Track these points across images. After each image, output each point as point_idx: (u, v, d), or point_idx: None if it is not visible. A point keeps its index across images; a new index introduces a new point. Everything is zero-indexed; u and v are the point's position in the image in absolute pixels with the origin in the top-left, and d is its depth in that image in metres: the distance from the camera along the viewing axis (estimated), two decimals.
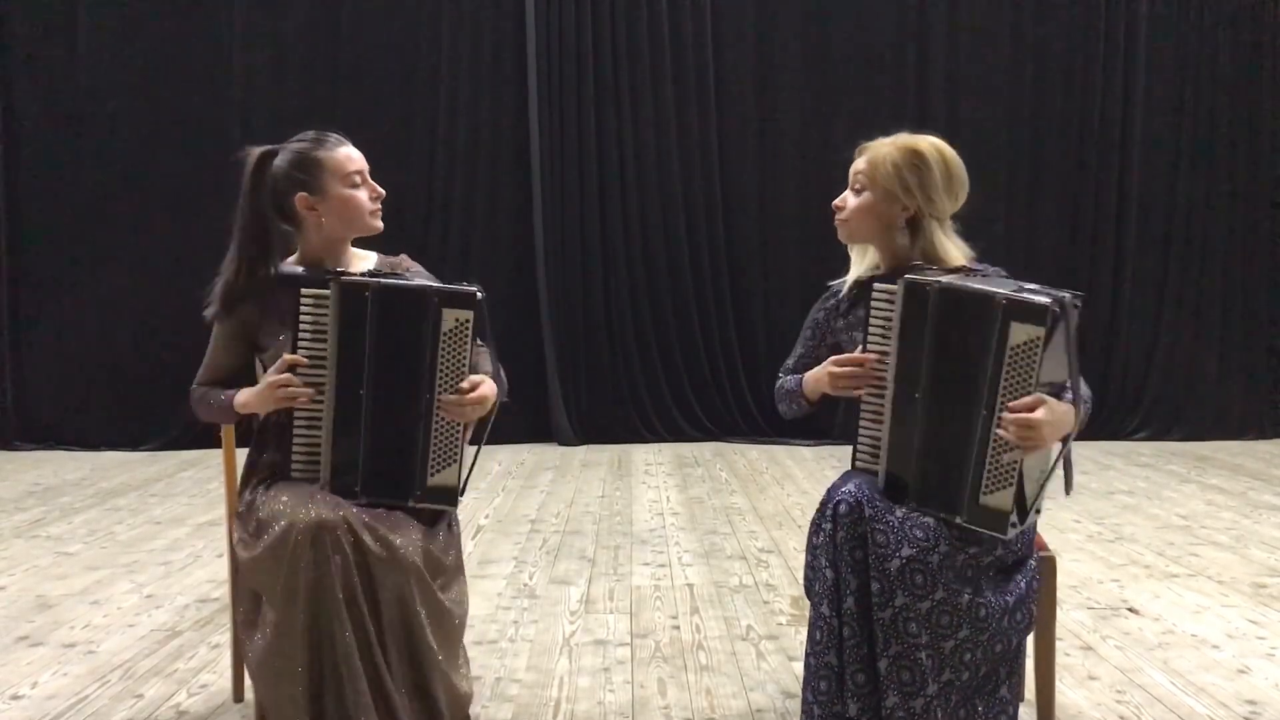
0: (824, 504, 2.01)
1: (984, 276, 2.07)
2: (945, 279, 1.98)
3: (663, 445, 6.38)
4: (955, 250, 2.16)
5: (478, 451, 2.20)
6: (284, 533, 1.99)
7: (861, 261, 2.27)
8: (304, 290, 2.08)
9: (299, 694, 1.97)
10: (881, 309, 2.04)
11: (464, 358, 2.09)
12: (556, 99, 6.39)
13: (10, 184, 6.39)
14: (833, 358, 2.12)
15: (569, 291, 6.47)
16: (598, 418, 6.48)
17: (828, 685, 1.95)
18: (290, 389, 2.08)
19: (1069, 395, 1.92)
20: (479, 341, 2.14)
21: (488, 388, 2.14)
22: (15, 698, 2.58)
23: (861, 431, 2.07)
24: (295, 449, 2.13)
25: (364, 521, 2.02)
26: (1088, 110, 6.44)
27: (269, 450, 2.24)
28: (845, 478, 2.06)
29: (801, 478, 5.37)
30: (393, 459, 2.11)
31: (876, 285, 2.05)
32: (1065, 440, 1.91)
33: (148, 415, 6.35)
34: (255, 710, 2.25)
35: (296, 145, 2.20)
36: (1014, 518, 1.92)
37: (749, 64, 6.49)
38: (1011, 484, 1.90)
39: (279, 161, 2.19)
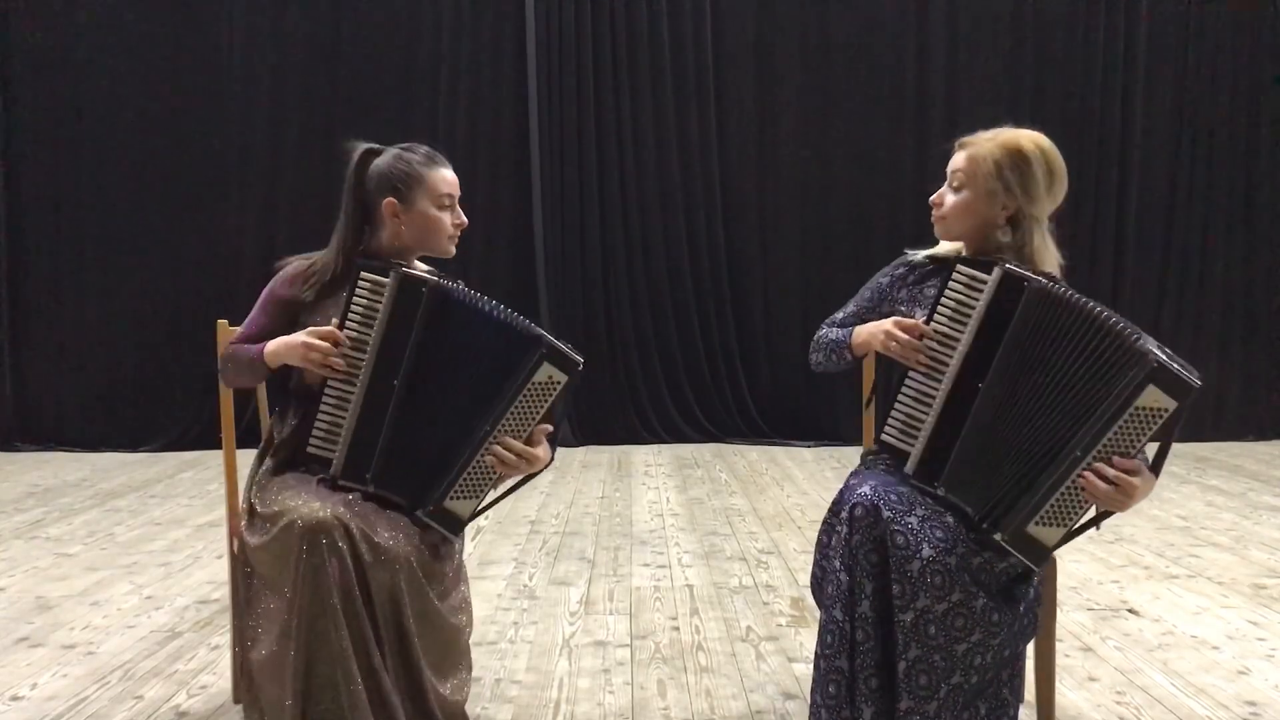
0: (837, 506, 1.98)
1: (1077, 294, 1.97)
2: (1050, 283, 1.92)
3: (662, 446, 6.38)
4: (1051, 256, 2.10)
5: (499, 499, 2.19)
6: (284, 530, 1.99)
7: (964, 228, 2.17)
8: (363, 274, 2.09)
9: (295, 693, 1.97)
10: (959, 291, 1.97)
11: (539, 413, 2.08)
12: (556, 99, 6.39)
13: (11, 184, 6.40)
14: (896, 318, 2.06)
15: (568, 292, 6.48)
16: (597, 419, 6.48)
17: (837, 689, 1.93)
18: (323, 354, 2.07)
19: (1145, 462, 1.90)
20: (556, 409, 2.11)
21: (543, 450, 2.14)
22: (15, 699, 2.58)
23: (898, 408, 2.02)
24: (317, 424, 2.13)
25: (358, 524, 2.02)
26: (1088, 110, 6.44)
27: (289, 425, 2.23)
28: (858, 480, 2.03)
29: (801, 479, 5.37)
30: (419, 464, 2.11)
31: (960, 266, 1.98)
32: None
33: (148, 416, 6.36)
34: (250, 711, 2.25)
35: (401, 153, 2.23)
36: (1047, 552, 1.91)
37: (749, 64, 6.49)
38: (1066, 526, 1.88)
39: (380, 162, 2.22)
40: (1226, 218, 6.50)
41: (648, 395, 6.52)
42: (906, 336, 2.01)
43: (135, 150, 6.35)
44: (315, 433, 2.14)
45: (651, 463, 5.86)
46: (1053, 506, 1.88)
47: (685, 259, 6.49)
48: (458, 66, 6.41)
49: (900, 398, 2.02)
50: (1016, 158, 2.07)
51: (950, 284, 1.98)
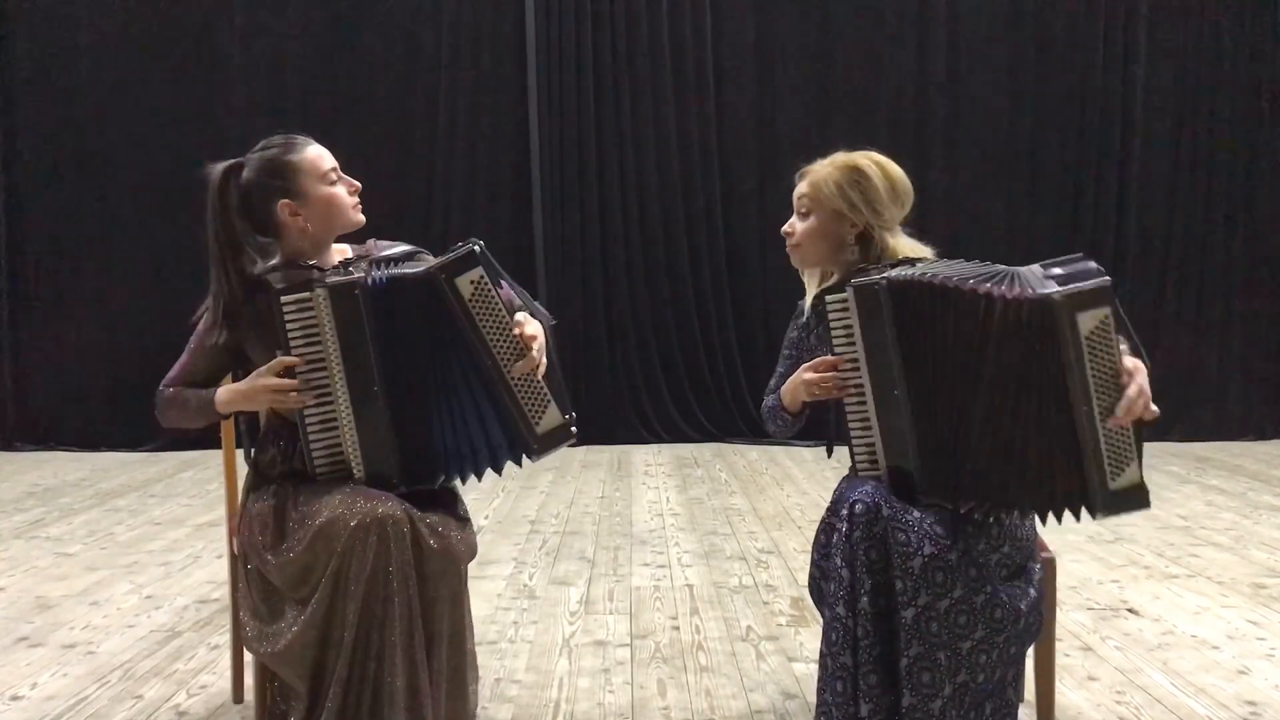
0: (836, 504, 2.00)
1: (927, 266, 2.04)
2: (900, 272, 1.99)
3: (662, 446, 6.38)
4: (909, 249, 2.18)
5: (557, 374, 2.14)
6: (328, 527, 1.95)
7: (814, 283, 2.30)
8: (283, 298, 2.03)
9: (332, 685, 1.95)
10: (838, 316, 2.04)
11: (499, 309, 2.05)
12: (556, 99, 6.39)
13: (11, 185, 6.40)
14: (807, 364, 2.13)
15: (568, 292, 6.47)
16: (597, 418, 6.47)
17: (844, 686, 1.94)
18: (284, 392, 2.04)
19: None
20: (500, 284, 2.09)
21: (533, 326, 2.09)
22: (15, 698, 2.58)
23: (855, 440, 2.07)
24: (315, 453, 2.08)
25: (419, 515, 2.00)
26: (1088, 110, 6.43)
27: (275, 459, 2.19)
28: (855, 480, 2.05)
29: (801, 479, 5.37)
30: (442, 449, 2.09)
31: (826, 297, 2.06)
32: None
33: (147, 416, 6.26)
34: (256, 709, 2.24)
35: (265, 153, 2.14)
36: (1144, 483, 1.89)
37: (749, 64, 6.49)
38: (1134, 456, 1.87)
39: (249, 173, 2.12)
40: (1226, 218, 6.50)
41: (648, 395, 6.52)
42: (820, 373, 2.07)
43: (135, 150, 6.35)
44: (316, 459, 2.09)
45: (651, 462, 5.86)
46: (1110, 457, 1.86)
47: (685, 259, 6.49)
48: (458, 66, 6.41)
49: (851, 430, 2.07)
50: (855, 174, 2.17)
51: (829, 315, 2.06)
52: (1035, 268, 1.91)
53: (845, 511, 1.95)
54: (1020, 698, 2.07)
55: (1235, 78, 6.43)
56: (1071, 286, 1.84)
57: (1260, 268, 6.53)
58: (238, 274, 2.10)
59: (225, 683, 2.62)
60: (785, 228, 2.24)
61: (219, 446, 2.51)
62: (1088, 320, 1.83)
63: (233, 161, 2.15)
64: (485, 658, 2.82)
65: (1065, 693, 2.56)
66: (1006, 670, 1.99)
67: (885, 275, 1.99)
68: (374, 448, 2.08)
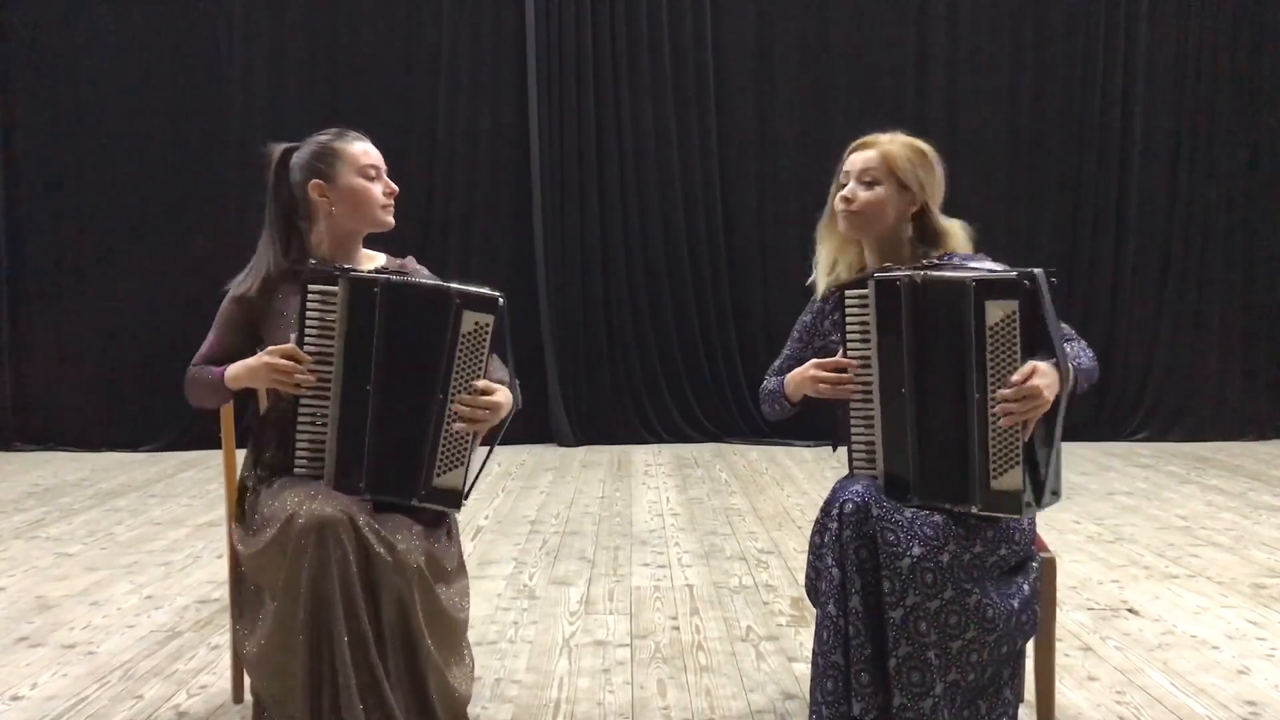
0: (829, 504, 2.01)
1: (958, 263, 2.08)
2: (913, 272, 2.00)
3: (662, 446, 6.38)
4: (954, 228, 2.20)
5: (487, 456, 2.18)
6: (285, 527, 2.00)
7: (829, 262, 2.29)
8: (310, 286, 2.08)
9: (298, 688, 1.98)
10: (856, 313, 2.05)
11: (480, 362, 2.08)
12: (556, 100, 6.39)
13: (10, 185, 6.40)
14: (815, 360, 2.13)
15: (569, 292, 6.47)
16: (597, 418, 6.48)
17: (835, 685, 1.95)
18: (286, 373, 2.07)
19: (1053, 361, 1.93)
20: (495, 347, 2.12)
21: (502, 395, 2.13)
22: (15, 698, 2.58)
23: (854, 438, 2.08)
24: (299, 445, 2.12)
25: (367, 521, 2.02)
26: (1088, 110, 6.43)
27: (270, 448, 2.25)
28: (849, 479, 2.07)
29: (801, 478, 5.37)
30: (399, 457, 2.10)
31: (847, 291, 2.07)
32: (1057, 402, 1.91)
33: (147, 416, 6.36)
34: (253, 706, 2.24)
35: (317, 138, 2.26)
36: (1028, 497, 1.92)
37: (749, 64, 6.49)
38: (1018, 462, 1.90)
39: (298, 155, 2.25)
40: (1226, 218, 6.50)
41: (648, 395, 6.52)
42: (830, 374, 2.08)
43: (135, 150, 6.35)
44: (299, 454, 2.12)
45: (651, 462, 5.86)
46: (995, 454, 1.90)
47: (685, 259, 6.49)
48: (458, 66, 6.41)
49: (852, 430, 2.08)
50: (922, 156, 2.20)
51: (847, 311, 2.07)
52: (989, 263, 1.98)
53: (836, 511, 1.97)
54: (1020, 697, 2.07)
55: (1235, 78, 6.43)
56: (988, 275, 1.88)
57: (1260, 268, 6.53)
58: (283, 250, 2.23)
59: (225, 683, 2.62)
60: (844, 193, 2.19)
61: (219, 446, 2.51)
62: (994, 310, 1.86)
63: (290, 144, 2.28)
64: (485, 658, 2.82)
65: (1065, 693, 2.56)
66: (1000, 668, 1.99)
67: (910, 273, 2.00)
68: (350, 447, 2.10)
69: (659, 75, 6.43)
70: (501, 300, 2.07)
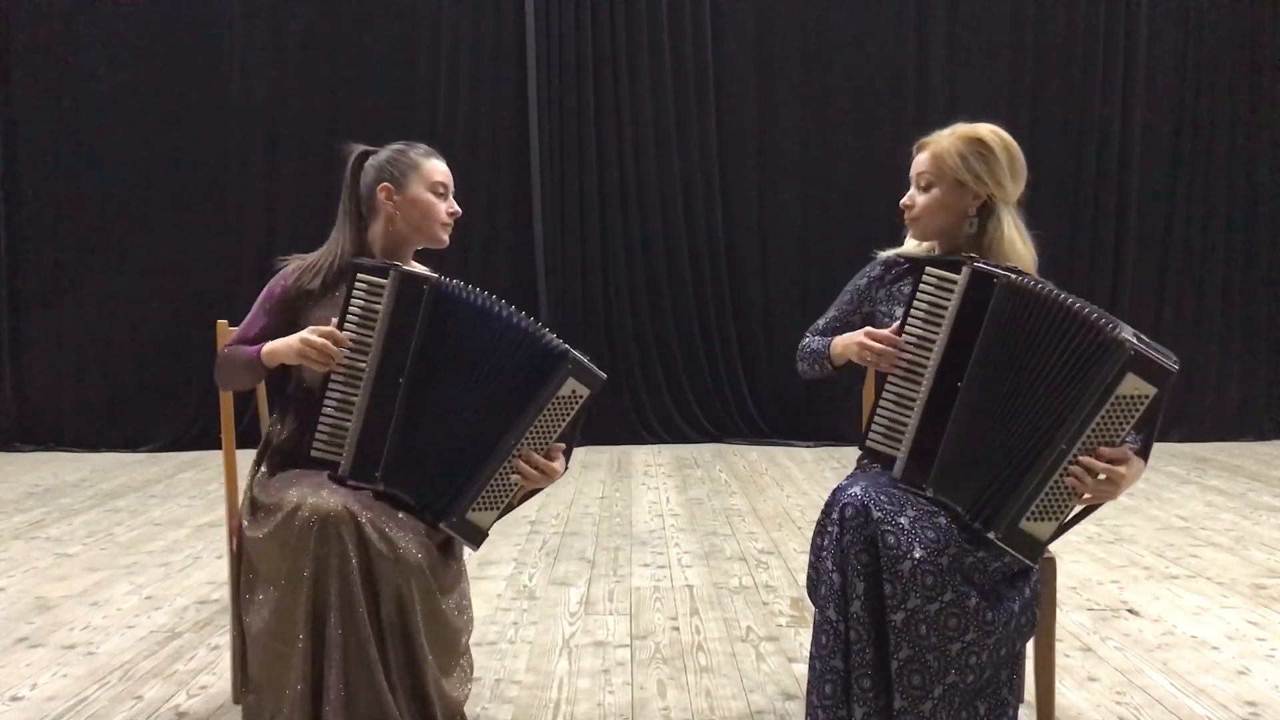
0: (829, 507, 2.00)
1: (1055, 290, 1.96)
2: (1019, 277, 1.93)
3: (662, 446, 6.38)
4: (1023, 247, 2.13)
5: (502, 512, 2.16)
6: (288, 518, 2.00)
7: (931, 228, 2.21)
8: (359, 275, 2.08)
9: (294, 681, 1.98)
10: (930, 293, 1.98)
11: (560, 429, 2.08)
12: (556, 100, 6.39)
13: (10, 186, 6.40)
14: (868, 329, 2.08)
15: (568, 293, 6.47)
16: (597, 419, 6.47)
17: (833, 689, 1.94)
18: (321, 351, 2.06)
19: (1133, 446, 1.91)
20: (578, 427, 2.12)
21: (559, 464, 2.14)
22: (15, 699, 2.58)
23: (880, 413, 2.03)
24: (320, 428, 2.10)
25: (370, 517, 2.02)
26: (1087, 110, 6.44)
27: (288, 428, 2.24)
28: (849, 481, 2.05)
29: (801, 479, 5.37)
30: (429, 464, 2.09)
31: (929, 269, 1.98)
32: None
33: (147, 417, 6.36)
34: (245, 685, 2.24)
35: (397, 145, 2.31)
36: (1041, 546, 1.92)
37: (749, 65, 6.49)
38: (1059, 520, 1.89)
39: (375, 157, 2.31)
40: (1226, 218, 6.50)
41: (648, 395, 6.52)
42: (880, 345, 2.03)
43: (135, 150, 6.35)
44: (319, 437, 2.11)
45: (651, 463, 5.86)
46: (1043, 501, 1.88)
47: (685, 259, 6.49)
48: (458, 66, 6.41)
49: (881, 403, 2.03)
50: (978, 146, 2.12)
51: (921, 286, 1.99)
52: (1131, 330, 1.88)
53: (835, 515, 1.96)
54: (1020, 698, 2.07)
55: (1235, 77, 6.43)
56: (1147, 349, 1.82)
57: (1260, 267, 6.53)
58: (352, 243, 2.27)
59: (225, 683, 2.63)
60: (904, 200, 2.16)
61: (219, 447, 2.51)
62: (1130, 384, 1.82)
63: (368, 148, 2.34)
64: (485, 658, 2.82)
65: (1065, 693, 2.56)
66: (999, 670, 1.99)
67: (1009, 273, 1.93)
68: (372, 436, 2.09)
69: (659, 75, 6.43)
70: (605, 379, 2.08)
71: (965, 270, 1.95)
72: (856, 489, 1.97)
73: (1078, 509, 1.93)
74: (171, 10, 6.31)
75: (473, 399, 2.08)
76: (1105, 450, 1.84)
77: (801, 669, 2.72)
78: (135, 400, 6.39)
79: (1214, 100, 6.43)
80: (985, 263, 1.97)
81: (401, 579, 2.03)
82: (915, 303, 1.99)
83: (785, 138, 6.48)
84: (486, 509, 2.10)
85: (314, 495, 2.02)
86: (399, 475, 2.10)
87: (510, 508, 2.15)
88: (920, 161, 2.16)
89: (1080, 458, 1.85)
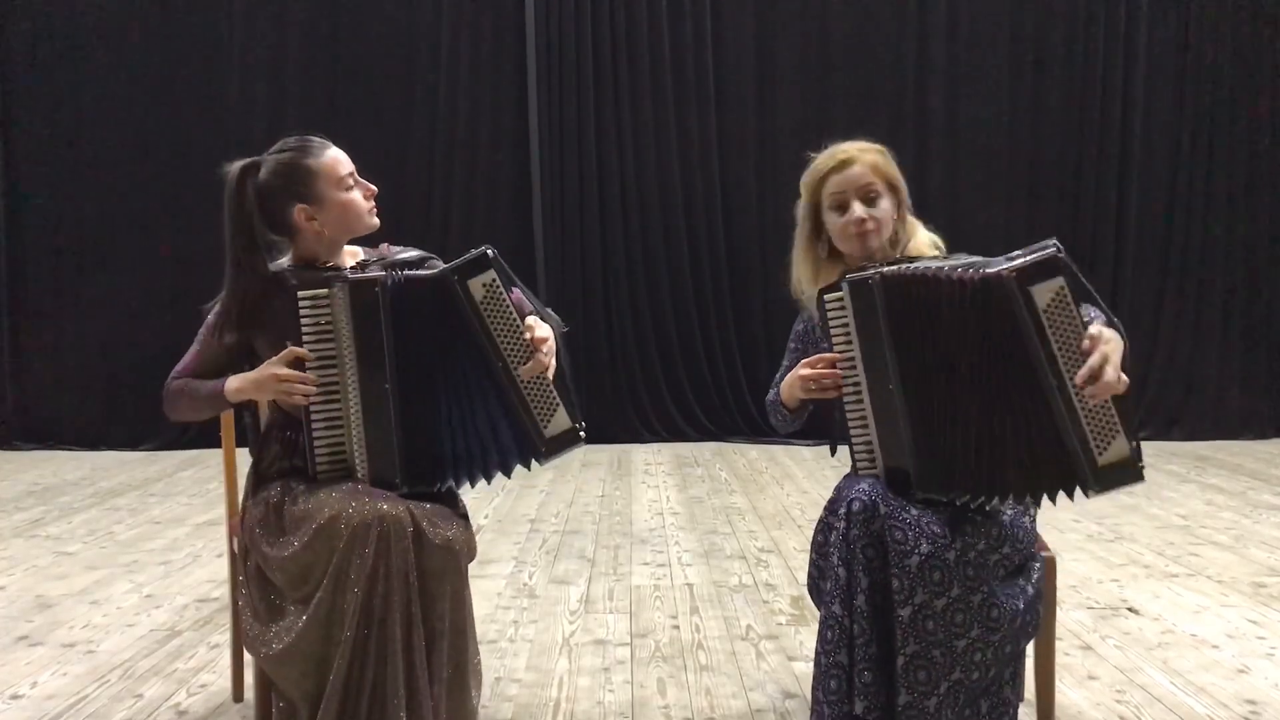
0: (834, 503, 2.01)
1: (929, 261, 2.05)
2: (890, 269, 2.00)
3: (662, 445, 6.38)
4: (926, 234, 2.22)
5: (567, 379, 2.16)
6: (328, 525, 1.95)
7: (812, 275, 2.25)
8: (300, 294, 2.06)
9: (333, 682, 1.95)
10: (833, 314, 2.06)
11: (510, 312, 2.07)
12: (556, 100, 6.39)
13: (11, 186, 6.40)
14: (804, 360, 2.13)
15: (569, 292, 6.47)
16: (597, 418, 6.46)
17: (838, 684, 1.94)
18: (292, 384, 2.04)
19: (1098, 319, 1.91)
20: (512, 289, 2.10)
21: (543, 329, 2.11)
22: (15, 697, 2.58)
23: (852, 437, 2.07)
24: (316, 449, 2.09)
25: (423, 514, 2.00)
26: (1087, 110, 6.43)
27: (276, 455, 2.19)
28: (854, 478, 2.06)
29: (801, 477, 5.37)
30: (444, 450, 2.10)
31: (824, 295, 2.08)
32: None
33: (147, 415, 6.33)
34: (256, 710, 2.24)
35: (282, 156, 2.14)
36: (1139, 458, 1.87)
37: (749, 64, 6.49)
38: (1119, 430, 1.85)
39: (265, 175, 2.13)
40: (1226, 218, 6.50)
41: (648, 394, 6.52)
42: (817, 372, 2.08)
43: (135, 150, 6.35)
44: (318, 457, 2.09)
45: (651, 461, 5.86)
46: (1093, 433, 1.84)
47: (685, 259, 6.49)
48: (458, 66, 6.41)
49: (850, 428, 2.08)
50: (888, 157, 2.22)
51: (826, 313, 2.08)
52: (1003, 257, 1.92)
53: (843, 510, 1.96)
54: (1020, 697, 2.07)
55: (1235, 76, 6.42)
56: (1019, 261, 1.85)
57: (1260, 267, 6.53)
58: (253, 272, 2.13)
59: (225, 682, 2.62)
60: (859, 214, 2.15)
61: (219, 446, 2.51)
62: (1043, 293, 1.83)
63: (249, 161, 2.15)
64: (485, 657, 2.81)
65: (1065, 692, 2.56)
66: (1003, 668, 1.99)
67: (879, 270, 2.00)
68: (380, 446, 2.09)
69: (659, 75, 6.43)
70: (491, 252, 2.06)
71: (844, 284, 2.03)
72: (865, 484, 1.99)
73: (1114, 411, 1.88)
74: (172, 11, 6.31)
75: (451, 367, 2.08)
76: (1084, 346, 1.83)
77: (802, 667, 2.72)
78: (135, 399, 6.38)
79: (1214, 99, 6.43)
80: (857, 270, 2.05)
81: (456, 576, 2.02)
82: (829, 328, 2.08)
83: (785, 138, 6.48)
84: (550, 413, 2.10)
85: (359, 499, 1.98)
86: (417, 475, 2.10)
87: (567, 390, 2.13)
88: (858, 175, 2.18)
89: (1074, 378, 1.84)
